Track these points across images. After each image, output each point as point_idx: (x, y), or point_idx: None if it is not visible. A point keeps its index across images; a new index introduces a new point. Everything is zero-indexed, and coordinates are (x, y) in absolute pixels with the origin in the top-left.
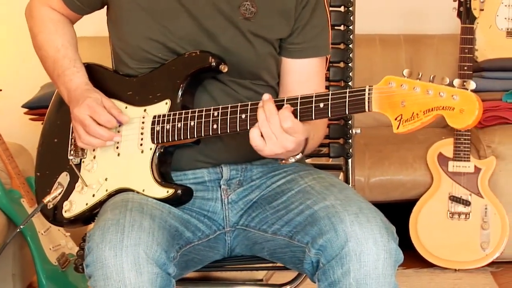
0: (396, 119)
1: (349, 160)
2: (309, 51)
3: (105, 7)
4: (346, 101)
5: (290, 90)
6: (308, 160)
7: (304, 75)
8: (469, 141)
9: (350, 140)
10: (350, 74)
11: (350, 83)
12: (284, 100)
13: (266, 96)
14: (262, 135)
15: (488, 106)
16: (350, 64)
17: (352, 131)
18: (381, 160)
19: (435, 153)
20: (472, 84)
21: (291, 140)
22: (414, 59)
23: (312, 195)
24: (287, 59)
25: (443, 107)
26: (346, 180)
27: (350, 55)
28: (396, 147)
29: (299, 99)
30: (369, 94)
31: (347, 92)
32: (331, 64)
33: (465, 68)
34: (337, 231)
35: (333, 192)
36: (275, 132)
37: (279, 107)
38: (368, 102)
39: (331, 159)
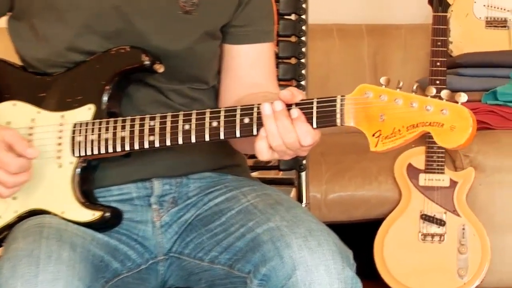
0: (374, 135)
1: (303, 173)
2: (254, 35)
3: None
4: (313, 111)
5: (241, 75)
6: (254, 174)
7: (253, 59)
8: (443, 150)
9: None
10: (303, 71)
11: (303, 83)
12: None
13: (280, 106)
14: (271, 147)
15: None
16: (302, 60)
17: None
18: (341, 172)
19: (404, 164)
20: (463, 97)
21: (308, 149)
22: (379, 54)
23: (255, 215)
24: (232, 46)
25: (430, 123)
26: (299, 197)
27: (303, 49)
28: (358, 157)
29: (255, 107)
30: (341, 105)
31: (315, 102)
32: (280, 60)
33: (438, 64)
34: (282, 257)
35: (279, 212)
36: (292, 147)
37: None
38: (341, 114)
39: (281, 172)
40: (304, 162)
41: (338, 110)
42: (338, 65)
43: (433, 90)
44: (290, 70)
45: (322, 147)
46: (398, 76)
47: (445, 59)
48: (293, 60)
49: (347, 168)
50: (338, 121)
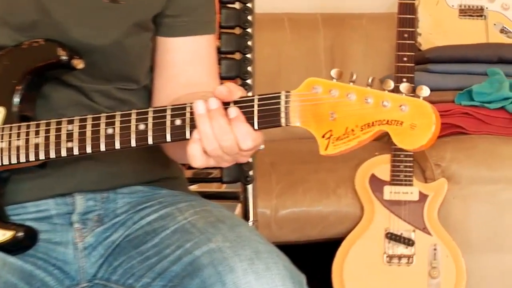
0: (323, 136)
1: (249, 186)
2: (192, 27)
3: None
4: (254, 110)
5: (178, 72)
6: (193, 187)
7: (191, 54)
8: (411, 159)
9: (250, 159)
10: (249, 68)
11: (249, 81)
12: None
13: (215, 104)
14: (205, 151)
15: (438, 110)
16: (248, 55)
17: None
18: (294, 185)
19: (366, 175)
20: (424, 90)
21: (249, 154)
22: (337, 47)
23: (193, 235)
24: (166, 39)
25: (388, 121)
26: (245, 214)
27: (249, 42)
28: (314, 167)
29: (188, 106)
30: (286, 102)
31: (256, 100)
32: (223, 56)
33: (405, 59)
34: (225, 283)
35: (221, 231)
36: (230, 152)
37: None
38: (286, 113)
39: (224, 185)
40: (250, 173)
41: (282, 109)
42: (289, 61)
43: (390, 84)
44: (234, 67)
45: (271, 156)
46: (359, 73)
47: (413, 53)
48: (237, 55)
49: (300, 180)
50: (283, 120)
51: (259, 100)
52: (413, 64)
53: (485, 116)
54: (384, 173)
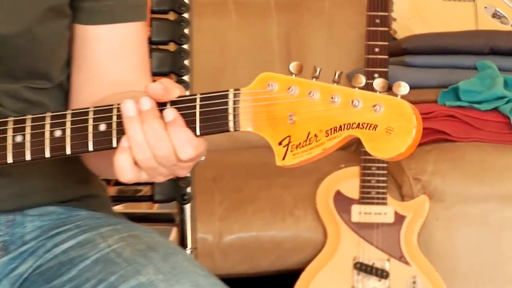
0: (280, 143)
1: (187, 207)
2: (118, 12)
3: None
4: (196, 112)
5: (101, 68)
6: (118, 208)
7: (117, 46)
8: (385, 172)
9: (188, 174)
10: (186, 62)
11: (186, 77)
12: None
13: (148, 104)
14: (136, 163)
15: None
16: (185, 46)
17: None
18: (241, 205)
19: (330, 192)
20: (403, 87)
21: (189, 166)
22: (293, 36)
23: (118, 266)
24: (86, 27)
25: (359, 124)
26: (182, 240)
27: (185, 30)
28: (266, 182)
29: (115, 108)
30: (235, 102)
31: (198, 100)
32: (154, 47)
33: (377, 50)
34: None
35: (152, 260)
36: (166, 163)
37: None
38: (235, 116)
39: (156, 204)
40: (188, 190)
41: (231, 110)
42: (236, 53)
43: (362, 79)
44: (167, 60)
45: (214, 169)
46: (321, 67)
47: (386, 43)
48: (171, 46)
49: (250, 198)
50: (231, 124)
51: (202, 99)
52: (386, 56)
53: (474, 120)
54: (352, 189)
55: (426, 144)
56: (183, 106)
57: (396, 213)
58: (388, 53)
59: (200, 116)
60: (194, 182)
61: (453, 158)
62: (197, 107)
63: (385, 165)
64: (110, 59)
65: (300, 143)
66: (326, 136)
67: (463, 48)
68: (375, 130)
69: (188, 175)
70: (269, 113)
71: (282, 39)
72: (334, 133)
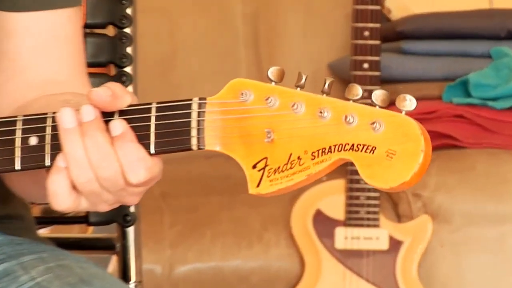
0: (255, 167)
1: (130, 230)
2: None
3: None
4: (150, 126)
5: (25, 65)
6: (43, 231)
7: (46, 37)
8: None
9: (138, 201)
10: (128, 49)
11: (128, 69)
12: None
13: (90, 114)
14: (75, 186)
15: (417, 112)
16: (127, 30)
17: None
18: (197, 227)
19: (309, 212)
20: (409, 102)
21: (140, 192)
22: (262, 18)
23: None
24: (8, 15)
25: (353, 145)
26: (125, 272)
27: (127, 10)
28: (228, 200)
29: (49, 117)
30: (200, 114)
31: (154, 110)
32: (89, 31)
33: (366, 34)
34: None
35: None
36: (112, 187)
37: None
38: (199, 131)
39: (91, 227)
40: (131, 210)
41: (194, 124)
42: (190, 38)
43: (358, 90)
44: (105, 47)
45: (164, 182)
46: (297, 56)
47: (378, 25)
48: (110, 30)
49: (208, 219)
50: (194, 141)
51: (159, 109)
52: (378, 42)
53: (488, 121)
54: (336, 208)
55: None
56: (135, 118)
57: (391, 238)
58: (380, 38)
59: (155, 130)
60: (139, 200)
61: (461, 169)
62: (152, 118)
63: None
64: (37, 53)
65: (279, 167)
66: (312, 159)
67: (474, 32)
68: (373, 153)
69: None
70: (242, 129)
71: (248, 21)
72: (322, 155)
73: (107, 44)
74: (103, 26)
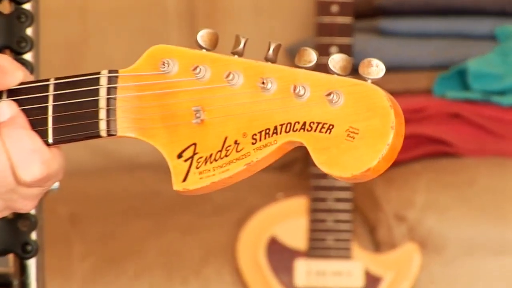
0: (180, 156)
1: (31, 263)
2: None
3: None
4: (48, 107)
5: None
6: None
7: None
8: (350, 205)
9: (33, 211)
10: (28, 31)
11: (28, 56)
12: None
13: None
14: None
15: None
16: (26, 5)
17: None
18: (116, 260)
19: (261, 240)
20: (375, 67)
21: (35, 194)
22: None
23: None
24: None
25: (305, 123)
26: None
27: None
28: (155, 224)
29: None
30: (109, 91)
31: (51, 87)
32: None
33: (334, 9)
34: None
35: None
36: None
37: None
38: (108, 112)
39: None
40: (33, 237)
41: (102, 103)
42: (105, 18)
43: (311, 56)
44: None
45: (73, 202)
46: (248, 38)
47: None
48: (5, 6)
49: (130, 249)
50: (103, 126)
51: (58, 87)
52: (350, 19)
53: (492, 121)
54: (296, 235)
55: (415, 160)
56: (28, 98)
57: (367, 273)
58: (353, 14)
59: (54, 113)
60: (43, 224)
61: (457, 184)
62: (50, 99)
63: (349, 193)
64: None
65: (211, 155)
66: (253, 144)
67: (474, 6)
68: (329, 133)
69: (33, 212)
70: (164, 108)
71: None
72: (265, 138)
73: (0, 24)
74: None
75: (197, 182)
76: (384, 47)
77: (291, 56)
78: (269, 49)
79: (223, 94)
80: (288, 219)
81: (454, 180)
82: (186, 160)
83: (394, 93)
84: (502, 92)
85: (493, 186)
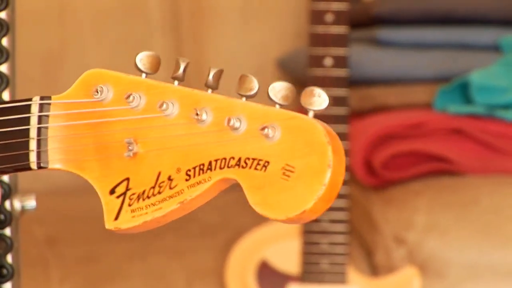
0: (113, 192)
1: (5, 287)
2: None
3: None
4: None
5: None
6: None
7: None
8: (345, 227)
9: (5, 231)
10: (4, 41)
11: (3, 68)
12: None
13: None
14: None
15: (398, 124)
16: (1, 14)
17: (13, 202)
18: (96, 285)
19: (250, 263)
20: (317, 98)
21: None
22: (183, 2)
23: None
24: None
25: (240, 160)
26: None
27: None
28: (139, 246)
29: None
30: (41, 120)
31: None
32: None
33: (329, 18)
34: None
35: None
36: None
37: None
38: (39, 143)
39: None
40: (8, 260)
41: (33, 133)
42: (85, 23)
43: (253, 84)
44: None
45: (50, 223)
46: (233, 49)
47: (346, 5)
48: None
49: (112, 273)
50: (33, 158)
51: None
52: (345, 29)
53: (497, 137)
54: (288, 258)
55: (415, 179)
56: None
57: None
58: (349, 23)
59: None
60: (19, 247)
61: (460, 204)
62: None
63: (344, 214)
64: None
65: (144, 192)
66: (187, 180)
67: (477, 14)
68: (264, 170)
69: (8, 233)
70: (96, 139)
71: (165, 0)
72: (199, 174)
73: None
74: None
75: (129, 221)
76: (381, 58)
77: (282, 67)
78: (209, 74)
79: (157, 125)
80: (280, 241)
81: (456, 200)
82: (118, 197)
83: (391, 107)
84: (506, 106)
85: (497, 206)
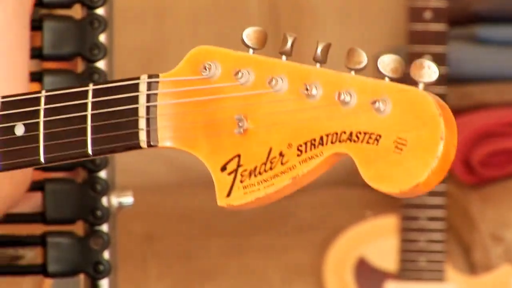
0: (224, 168)
1: (102, 283)
2: None
3: None
4: (87, 115)
5: None
6: None
7: None
8: (443, 225)
9: (102, 227)
10: (101, 37)
11: (100, 63)
12: None
13: None
14: None
15: (496, 122)
16: (99, 10)
17: (110, 199)
18: (193, 281)
19: (348, 261)
20: (427, 69)
21: None
22: (282, 0)
23: None
24: None
25: (351, 134)
26: None
27: None
28: (235, 243)
29: None
30: (149, 98)
31: (90, 93)
32: (46, 12)
33: (428, 15)
34: None
35: None
36: None
37: None
38: (148, 121)
39: (48, 280)
40: (105, 256)
41: (142, 112)
42: (185, 23)
43: (361, 57)
44: (70, 34)
45: (148, 221)
46: (331, 43)
47: (444, 3)
48: (77, 11)
49: (208, 269)
50: (143, 137)
51: (96, 93)
52: (443, 26)
53: None
54: (386, 256)
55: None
56: (67, 106)
57: None
58: (448, 21)
59: (92, 122)
60: (116, 243)
61: None
62: (89, 106)
63: (442, 212)
64: None
65: (255, 168)
66: (298, 156)
67: None
68: (377, 144)
69: (105, 229)
70: (206, 116)
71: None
72: (311, 149)
73: (72, 30)
74: (67, 5)
75: (241, 197)
76: (481, 55)
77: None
78: (317, 49)
79: (266, 101)
80: (378, 238)
81: None
82: (230, 173)
83: (490, 105)
84: None
85: None
